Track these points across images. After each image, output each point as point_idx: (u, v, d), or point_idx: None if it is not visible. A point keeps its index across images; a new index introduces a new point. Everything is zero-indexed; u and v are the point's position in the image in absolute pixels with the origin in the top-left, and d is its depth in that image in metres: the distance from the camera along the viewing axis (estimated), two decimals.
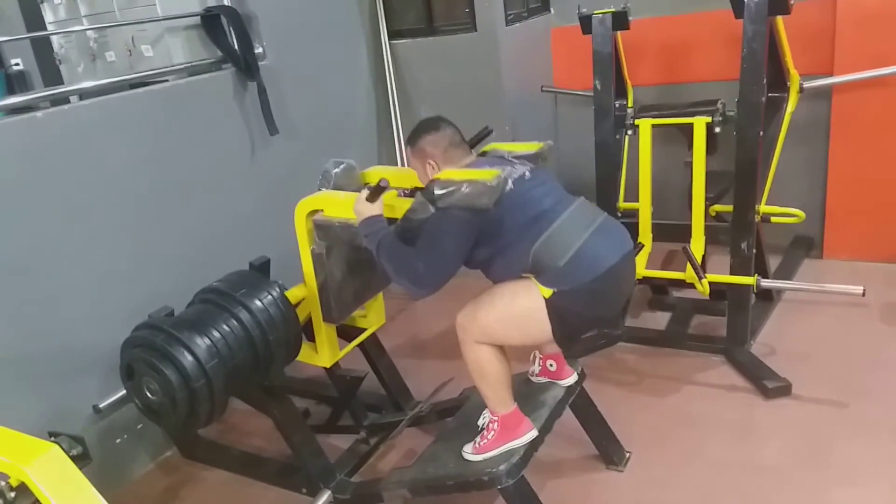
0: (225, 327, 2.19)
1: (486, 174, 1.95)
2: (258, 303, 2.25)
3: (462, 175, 1.98)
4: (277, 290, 2.31)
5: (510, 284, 2.00)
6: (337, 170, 2.43)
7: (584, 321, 2.05)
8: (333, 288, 2.40)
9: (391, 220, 2.11)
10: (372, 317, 2.72)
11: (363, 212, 2.09)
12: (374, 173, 2.53)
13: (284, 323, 2.29)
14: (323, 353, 2.51)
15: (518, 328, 2.00)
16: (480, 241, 1.97)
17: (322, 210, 2.31)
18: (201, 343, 2.11)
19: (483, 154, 2.28)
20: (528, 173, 2.07)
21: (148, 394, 2.16)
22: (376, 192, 2.08)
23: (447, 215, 1.93)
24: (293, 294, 2.41)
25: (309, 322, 2.50)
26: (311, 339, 2.54)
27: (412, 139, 2.20)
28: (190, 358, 2.08)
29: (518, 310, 1.98)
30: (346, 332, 2.68)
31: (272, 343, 2.25)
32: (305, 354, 2.51)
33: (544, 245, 1.93)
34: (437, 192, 1.93)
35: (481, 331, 2.01)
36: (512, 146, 2.24)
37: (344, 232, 2.26)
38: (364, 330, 2.70)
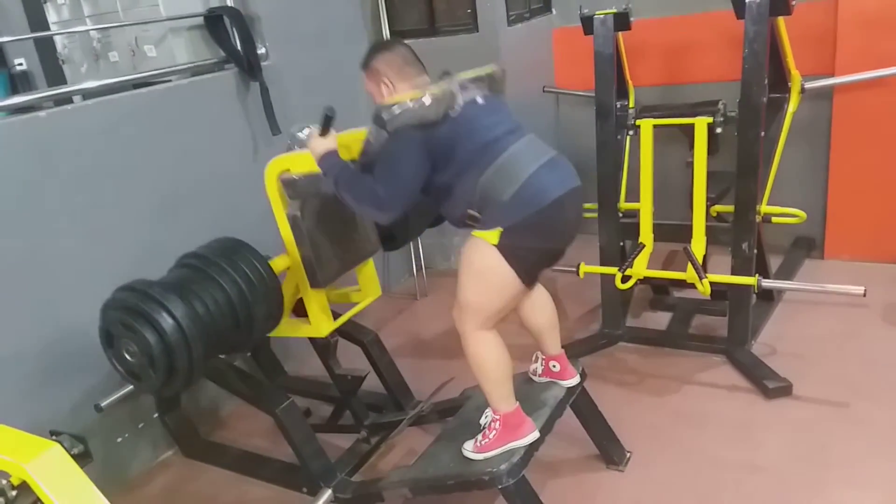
0: (202, 287, 2.20)
1: (433, 89, 1.98)
2: (237, 263, 2.26)
3: (408, 95, 1.99)
4: (255, 250, 2.32)
5: (464, 255, 2.03)
6: (301, 134, 2.40)
7: (537, 255, 2.04)
8: (315, 251, 2.39)
9: (349, 163, 2.13)
10: (366, 289, 2.72)
11: (318, 149, 2.13)
12: (344, 139, 2.50)
13: (263, 282, 2.28)
14: (316, 322, 2.50)
15: (489, 288, 2.01)
16: (436, 165, 1.99)
17: (290, 169, 2.33)
18: (175, 300, 2.11)
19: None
20: (480, 99, 2.07)
21: (127, 357, 2.16)
22: (325, 123, 2.11)
23: (399, 136, 1.96)
24: (277, 264, 2.41)
25: (302, 302, 2.49)
26: (305, 315, 2.54)
27: (365, 61, 2.19)
28: (163, 313, 2.07)
29: (479, 268, 2.00)
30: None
31: (251, 301, 2.24)
32: (300, 329, 2.51)
33: (491, 177, 1.95)
34: (386, 115, 1.95)
35: (469, 311, 2.03)
36: (465, 73, 2.18)
37: (310, 183, 2.28)
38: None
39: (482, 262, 1.98)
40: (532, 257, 2.02)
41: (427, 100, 1.94)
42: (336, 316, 2.63)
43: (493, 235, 1.93)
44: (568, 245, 2.12)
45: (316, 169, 2.17)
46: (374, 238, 2.61)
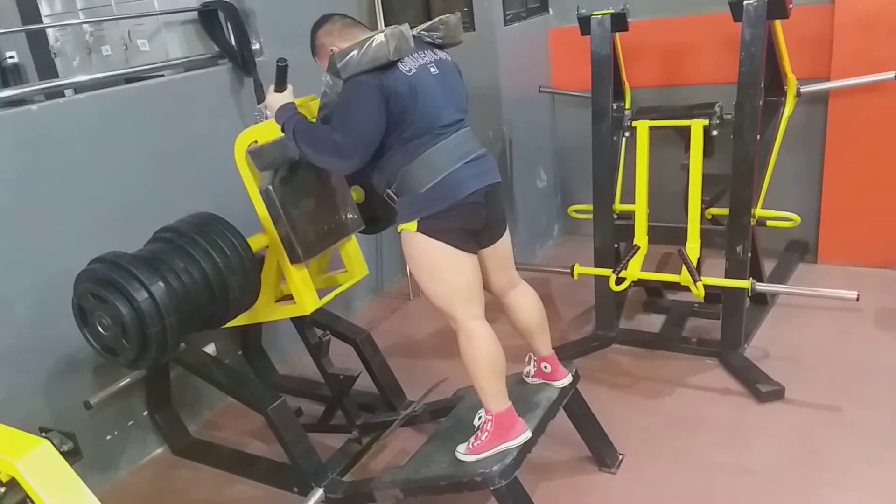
0: (173, 256, 2.18)
1: (383, 29, 1.99)
2: (210, 235, 2.25)
3: (359, 41, 1.97)
4: (227, 222, 2.31)
5: (405, 255, 2.09)
6: (268, 110, 2.38)
7: (455, 231, 2.04)
8: (291, 224, 2.37)
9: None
10: (352, 269, 2.70)
11: (274, 103, 2.14)
12: (304, 101, 2.45)
13: (237, 253, 2.26)
14: (301, 299, 2.47)
15: (438, 269, 2.05)
16: (389, 123, 1.99)
17: (257, 141, 2.31)
18: (145, 269, 2.09)
19: None
20: (433, 68, 2.07)
21: (101, 330, 2.13)
22: (279, 74, 2.12)
23: (355, 83, 1.96)
24: (255, 242, 2.39)
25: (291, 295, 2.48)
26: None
27: (311, 45, 2.21)
28: (133, 281, 2.05)
29: (418, 257, 2.06)
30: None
31: (224, 270, 2.22)
32: (287, 311, 2.49)
33: (413, 168, 2.00)
34: (339, 62, 1.95)
35: (442, 303, 2.07)
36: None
37: (276, 149, 2.26)
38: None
39: (416, 249, 2.04)
40: (453, 233, 2.03)
41: (378, 39, 1.94)
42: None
43: (411, 226, 2.00)
44: (487, 227, 2.12)
45: (281, 134, 2.17)
46: (356, 215, 2.60)
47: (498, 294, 2.27)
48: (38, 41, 3.91)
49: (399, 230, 2.07)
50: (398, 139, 2.02)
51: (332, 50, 2.11)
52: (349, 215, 2.58)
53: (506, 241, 2.23)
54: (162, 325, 2.08)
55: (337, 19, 2.19)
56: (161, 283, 2.09)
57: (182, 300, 2.14)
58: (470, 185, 2.02)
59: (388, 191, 2.08)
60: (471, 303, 2.05)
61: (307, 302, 2.47)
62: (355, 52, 1.93)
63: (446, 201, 2.00)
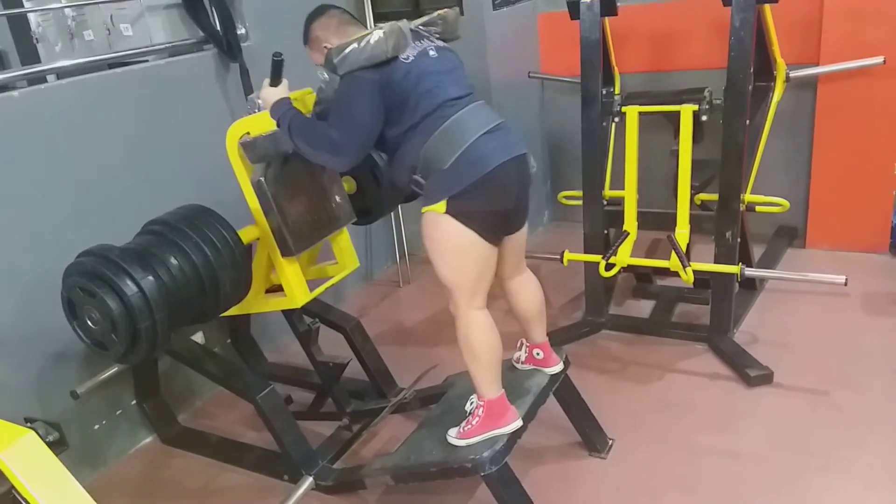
0: (164, 250, 2.16)
1: (381, 27, 1.97)
2: (200, 228, 2.23)
3: (356, 37, 1.96)
4: (218, 215, 2.29)
5: (424, 234, 2.02)
6: (260, 101, 2.35)
7: (487, 216, 2.00)
8: (283, 217, 2.35)
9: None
10: (343, 261, 2.69)
11: (269, 98, 2.11)
12: (299, 94, 2.43)
13: (227, 246, 2.24)
14: (291, 293, 2.46)
15: (457, 255, 1.99)
16: (389, 116, 1.97)
17: (249, 132, 2.29)
18: (135, 263, 2.07)
19: None
20: (432, 51, 2.05)
21: (91, 324, 2.12)
22: (275, 68, 2.09)
23: (351, 80, 1.94)
24: (246, 234, 2.38)
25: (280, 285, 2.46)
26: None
27: (304, 34, 2.18)
28: (123, 276, 2.03)
29: (441, 240, 1.99)
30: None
31: (215, 265, 2.21)
32: (277, 303, 2.48)
33: (434, 143, 1.95)
34: (336, 58, 1.93)
35: (452, 287, 2.02)
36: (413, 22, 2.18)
37: (269, 142, 2.23)
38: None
39: (440, 232, 1.97)
40: (483, 217, 1.99)
41: (375, 36, 1.92)
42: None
43: (440, 206, 1.94)
44: (518, 208, 2.08)
45: (274, 126, 2.14)
46: (347, 207, 2.57)
47: (503, 278, 2.23)
48: (19, 26, 3.84)
49: (424, 211, 1.99)
50: (407, 127, 1.98)
51: (325, 46, 2.09)
52: (341, 207, 2.56)
53: (525, 227, 2.20)
54: (152, 321, 2.06)
55: (335, 13, 2.16)
56: (151, 278, 2.07)
57: (172, 295, 2.12)
58: (494, 157, 1.95)
59: (415, 177, 2.01)
60: (477, 293, 2.03)
61: (298, 295, 2.46)
62: (353, 49, 1.91)
63: (473, 175, 1.92)
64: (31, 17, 3.47)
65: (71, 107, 2.51)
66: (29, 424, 1.74)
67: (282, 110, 2.08)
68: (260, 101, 2.30)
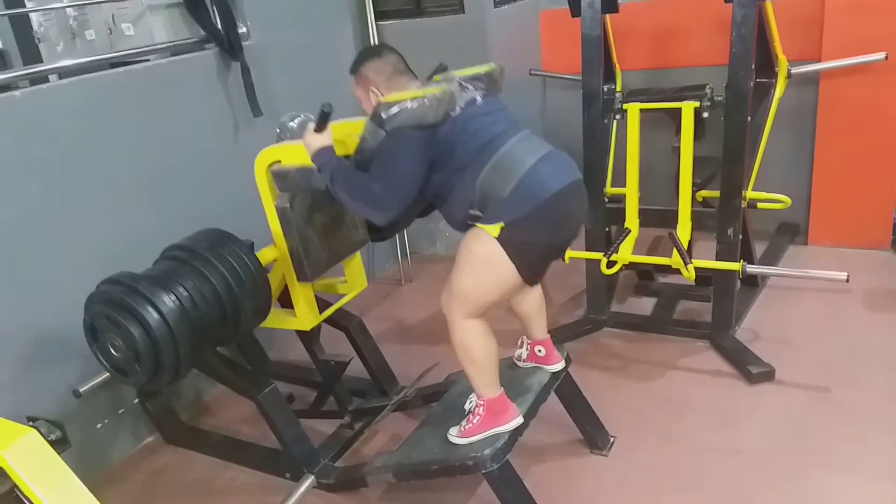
0: (188, 279, 2.16)
1: (433, 90, 1.94)
2: (224, 257, 2.23)
3: (408, 94, 1.95)
4: (243, 244, 2.29)
5: (464, 242, 1.99)
6: (293, 123, 2.37)
7: (539, 250, 2.01)
8: (303, 244, 2.35)
9: (345, 160, 2.08)
10: (352, 281, 2.69)
11: (313, 144, 2.08)
12: (333, 126, 2.46)
13: (251, 275, 2.25)
14: (301, 315, 2.48)
15: (487, 280, 1.98)
16: (434, 165, 1.96)
17: (280, 160, 2.28)
18: (161, 293, 2.08)
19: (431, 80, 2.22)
20: (479, 98, 2.04)
21: (113, 351, 2.13)
22: (322, 118, 2.06)
23: (398, 135, 1.92)
24: (264, 255, 2.38)
25: (287, 290, 2.47)
26: (290, 305, 2.50)
27: (354, 67, 2.16)
28: (148, 307, 2.04)
29: (478, 260, 1.96)
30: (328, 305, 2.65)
31: (238, 295, 2.21)
32: (285, 321, 2.49)
33: (489, 174, 1.92)
34: (385, 114, 1.91)
35: (461, 298, 2.00)
36: (462, 71, 2.16)
37: (301, 177, 2.22)
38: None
39: (484, 252, 1.94)
40: (534, 252, 1.98)
41: (427, 101, 1.90)
42: (321, 304, 2.60)
43: (494, 229, 1.90)
44: (571, 240, 2.10)
45: (307, 162, 2.12)
46: (363, 230, 2.58)
47: None
48: (21, 26, 3.84)
49: (477, 226, 1.96)
50: (453, 170, 1.96)
51: (373, 90, 2.08)
52: (357, 232, 2.57)
53: None
54: (176, 354, 2.08)
55: (391, 59, 2.13)
56: (178, 312, 2.08)
57: (197, 327, 2.13)
58: (554, 182, 1.93)
59: (472, 212, 1.97)
60: (482, 309, 2.03)
61: (308, 318, 2.49)
62: (402, 110, 1.89)
63: (534, 200, 1.89)
64: (32, 16, 3.47)
65: (73, 106, 2.51)
66: (31, 423, 1.74)
67: (325, 158, 2.05)
68: (292, 125, 2.33)
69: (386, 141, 1.95)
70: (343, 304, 2.68)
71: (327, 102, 2.06)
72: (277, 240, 2.39)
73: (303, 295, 2.46)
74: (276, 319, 2.55)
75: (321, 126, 2.07)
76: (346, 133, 2.17)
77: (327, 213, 2.43)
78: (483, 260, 1.95)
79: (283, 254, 2.39)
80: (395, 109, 1.91)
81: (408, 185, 1.95)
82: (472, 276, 1.99)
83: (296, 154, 2.22)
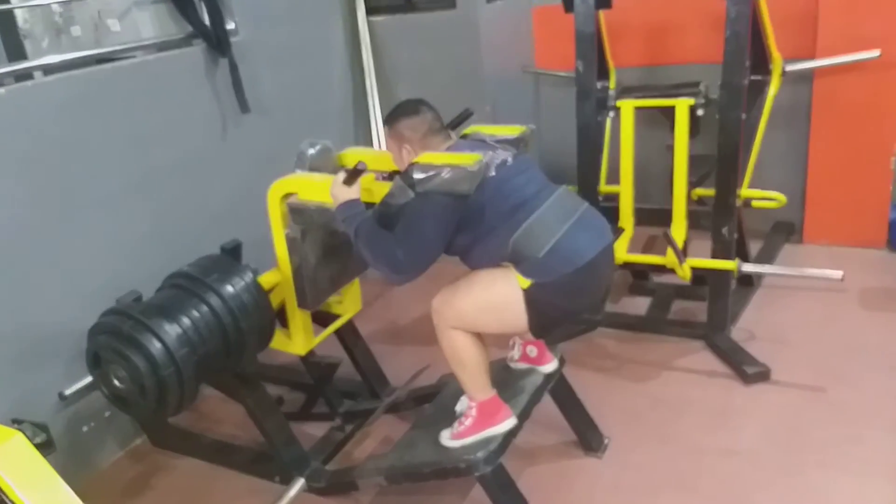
0: (195, 313, 2.14)
1: (468, 158, 1.90)
2: (230, 288, 2.19)
3: (442, 159, 1.92)
4: (250, 275, 2.25)
5: (488, 272, 1.96)
6: (312, 151, 2.36)
7: (561, 313, 2.00)
8: (308, 273, 2.33)
9: (369, 205, 2.05)
10: (348, 303, 2.66)
11: (340, 196, 2.03)
12: (351, 155, 2.46)
13: (257, 309, 2.23)
14: (297, 340, 2.46)
15: (494, 317, 1.97)
16: (461, 227, 1.93)
17: (297, 193, 2.24)
18: (170, 329, 2.06)
19: (464, 137, 2.23)
20: (510, 160, 2.02)
21: (116, 382, 2.11)
22: (353, 174, 2.02)
23: (427, 200, 1.88)
24: (266, 279, 2.35)
25: (283, 308, 2.43)
26: (285, 324, 2.48)
27: (390, 120, 2.14)
28: (158, 345, 2.03)
29: (494, 298, 1.94)
30: (322, 319, 2.62)
31: (244, 330, 2.20)
32: (279, 341, 2.46)
33: (524, 235, 1.90)
34: (417, 176, 1.88)
35: (456, 316, 1.98)
36: (494, 129, 2.19)
37: (320, 216, 2.19)
38: (339, 317, 2.64)
39: (504, 295, 1.92)
40: (554, 313, 1.97)
41: (462, 172, 1.86)
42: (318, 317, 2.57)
43: (524, 281, 1.89)
44: (595, 305, 2.08)
45: (325, 199, 2.09)
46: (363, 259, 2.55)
47: None
48: (6, 22, 3.79)
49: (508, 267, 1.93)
50: (482, 231, 1.93)
51: (406, 147, 2.07)
52: (358, 259, 2.53)
53: None
54: (181, 390, 2.07)
55: (427, 118, 2.10)
56: (186, 350, 2.06)
57: (202, 360, 2.11)
58: (588, 250, 1.92)
59: (503, 265, 1.94)
60: (470, 331, 2.01)
61: (303, 344, 2.46)
62: (435, 176, 1.86)
63: (569, 266, 1.88)
64: (17, 13, 3.43)
65: (58, 103, 2.47)
66: (16, 426, 1.71)
67: (351, 212, 2.00)
68: (312, 152, 2.31)
69: (415, 203, 1.91)
70: (336, 328, 2.63)
71: (363, 162, 2.04)
72: (282, 265, 2.35)
73: (300, 320, 2.42)
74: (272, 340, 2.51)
75: (351, 180, 2.03)
76: (374, 183, 2.16)
77: (334, 244, 2.39)
78: (500, 302, 1.94)
79: (287, 279, 2.36)
80: (429, 173, 1.87)
81: (431, 251, 1.92)
82: (480, 308, 1.97)
83: (313, 189, 2.18)
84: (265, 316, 2.27)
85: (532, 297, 1.89)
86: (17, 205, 2.36)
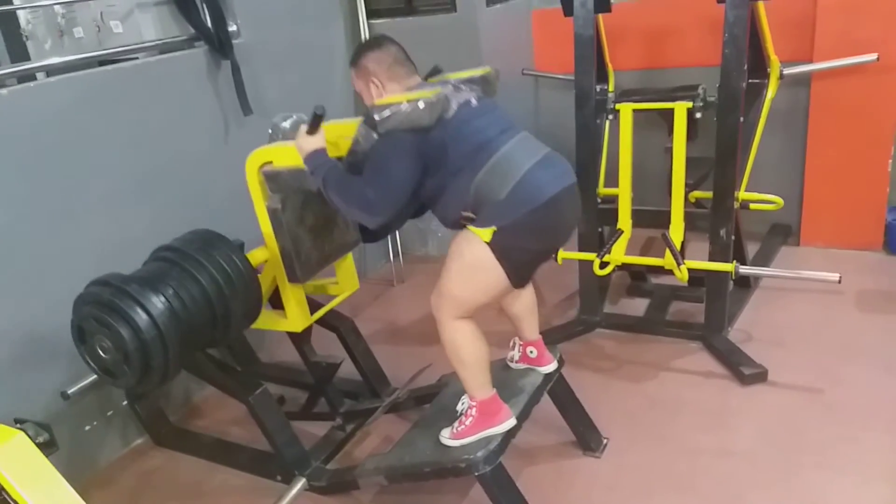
0: (178, 282, 2.15)
1: (426, 93, 1.93)
2: (214, 258, 2.21)
3: (402, 97, 1.94)
4: (235, 247, 2.26)
5: (454, 243, 1.98)
6: (286, 124, 2.35)
7: (531, 255, 2.01)
8: (294, 245, 2.34)
9: (338, 162, 2.07)
10: (344, 282, 2.67)
11: (305, 146, 2.06)
12: (328, 127, 2.45)
13: (242, 280, 2.23)
14: (292, 317, 2.46)
15: (475, 283, 1.97)
16: (428, 169, 1.95)
17: (272, 161, 2.26)
18: (151, 295, 2.06)
19: (428, 80, 2.21)
20: (473, 100, 2.03)
21: (101, 353, 2.11)
22: (314, 121, 2.04)
23: (390, 138, 1.91)
24: (255, 256, 2.36)
25: (278, 291, 2.45)
26: (281, 307, 2.49)
27: (354, 58, 2.15)
28: (139, 310, 2.03)
29: (467, 262, 1.95)
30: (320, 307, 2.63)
31: (228, 297, 2.20)
32: (276, 322, 2.47)
33: (485, 177, 1.91)
34: (378, 117, 1.90)
35: (450, 300, 1.99)
36: (457, 73, 2.16)
37: (293, 178, 2.21)
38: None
39: (473, 256, 1.93)
40: (524, 257, 1.98)
41: (421, 104, 1.88)
42: (312, 306, 2.58)
43: (486, 233, 1.89)
44: (562, 245, 2.11)
45: (299, 163, 2.10)
46: (355, 231, 2.56)
47: None
48: (8, 23, 3.80)
49: (469, 228, 1.94)
50: (448, 173, 1.95)
51: (374, 81, 2.07)
52: (349, 234, 2.55)
53: None
54: (165, 356, 2.07)
55: (392, 50, 2.11)
56: (167, 314, 2.06)
57: (186, 328, 2.11)
58: (550, 186, 1.92)
59: (465, 214, 1.96)
60: (469, 311, 2.02)
61: (299, 320, 2.47)
62: (395, 112, 1.88)
63: (530, 204, 1.88)
64: (20, 14, 3.43)
65: (61, 105, 2.49)
66: (19, 425, 1.72)
67: (317, 161, 2.03)
68: (284, 125, 2.30)
69: (378, 144, 1.94)
70: (334, 305, 2.66)
71: (320, 105, 2.04)
72: (268, 241, 2.37)
73: (293, 296, 2.44)
74: (267, 321, 2.52)
75: (313, 128, 2.05)
76: (339, 135, 2.16)
77: (319, 214, 2.41)
78: (472, 264, 1.94)
79: (274, 255, 2.37)
80: (387, 112, 1.89)
81: (401, 189, 1.94)
82: (460, 279, 1.98)
83: (288, 155, 2.20)
84: (251, 287, 2.27)
85: (499, 246, 1.89)
86: (19, 205, 2.38)
